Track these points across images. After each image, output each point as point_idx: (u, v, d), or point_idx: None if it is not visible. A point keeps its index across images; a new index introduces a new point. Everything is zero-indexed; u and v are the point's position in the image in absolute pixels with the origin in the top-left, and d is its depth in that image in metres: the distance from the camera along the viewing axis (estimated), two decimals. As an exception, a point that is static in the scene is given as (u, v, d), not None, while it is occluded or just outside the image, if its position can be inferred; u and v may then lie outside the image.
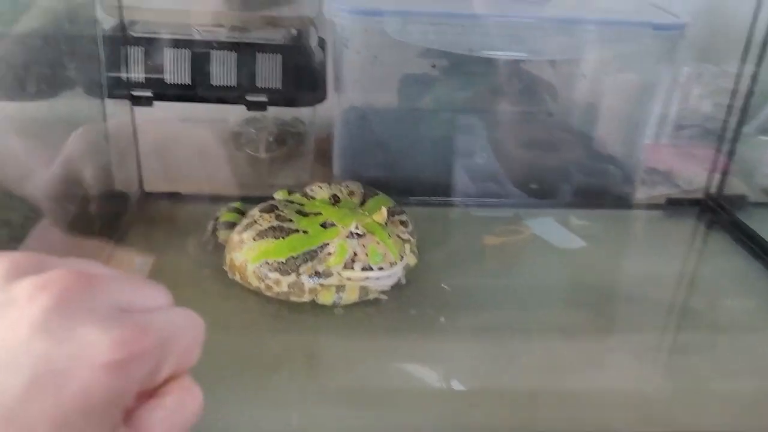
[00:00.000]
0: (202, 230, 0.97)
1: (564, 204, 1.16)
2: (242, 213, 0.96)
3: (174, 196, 1.08)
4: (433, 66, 1.14)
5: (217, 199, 1.08)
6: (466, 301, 0.88)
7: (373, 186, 1.03)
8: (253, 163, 1.21)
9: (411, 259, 0.93)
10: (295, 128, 1.26)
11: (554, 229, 1.08)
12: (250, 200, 1.05)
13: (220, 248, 0.91)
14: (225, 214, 0.97)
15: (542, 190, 1.16)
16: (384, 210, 0.86)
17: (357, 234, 0.83)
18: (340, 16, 1.03)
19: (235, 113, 1.23)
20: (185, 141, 1.21)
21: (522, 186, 1.15)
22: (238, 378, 0.72)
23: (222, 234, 0.94)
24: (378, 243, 0.84)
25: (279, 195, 1.04)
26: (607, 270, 0.99)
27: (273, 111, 1.20)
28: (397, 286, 0.87)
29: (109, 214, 1.00)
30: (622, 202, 1.18)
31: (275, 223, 0.87)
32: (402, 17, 1.03)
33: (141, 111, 1.05)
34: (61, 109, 0.91)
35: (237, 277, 0.86)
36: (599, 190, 1.18)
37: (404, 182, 1.13)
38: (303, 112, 1.24)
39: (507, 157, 1.15)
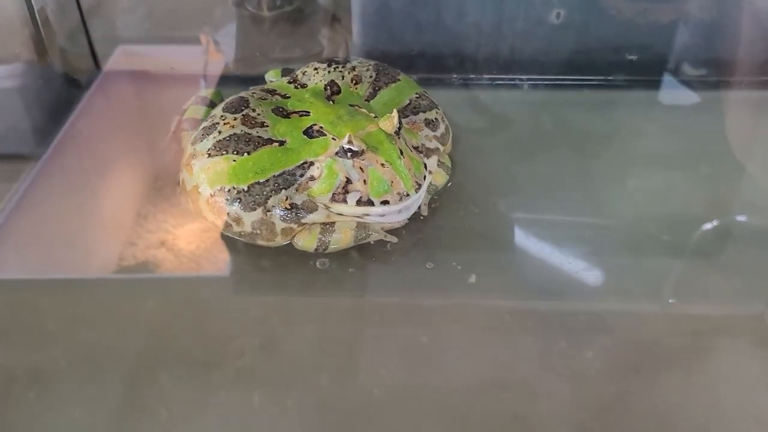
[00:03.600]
0: (166, 127, 0.73)
1: (670, 82, 0.82)
2: (216, 105, 0.70)
3: (142, 76, 0.83)
4: None
5: (198, 81, 0.82)
6: (513, 246, 0.61)
7: (407, 58, 0.73)
8: (252, 26, 0.93)
9: (439, 178, 0.65)
10: (310, -25, 0.95)
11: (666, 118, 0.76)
12: (242, 82, 0.79)
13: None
14: (191, 108, 0.71)
15: (644, 62, 0.82)
16: (395, 115, 0.58)
17: (351, 151, 0.56)
18: None
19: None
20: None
21: (615, 56, 0.82)
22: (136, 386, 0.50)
23: (185, 136, 0.69)
24: (383, 165, 0.56)
25: (271, 76, 0.77)
26: None
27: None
28: (414, 221, 0.61)
29: (43, 108, 0.77)
30: (762, 73, 0.82)
31: (240, 129, 0.61)
32: None
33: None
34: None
35: (190, 206, 0.62)
36: (734, 59, 0.82)
37: (448, 52, 0.82)
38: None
39: (595, 13, 0.80)
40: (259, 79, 0.77)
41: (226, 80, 0.80)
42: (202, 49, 0.87)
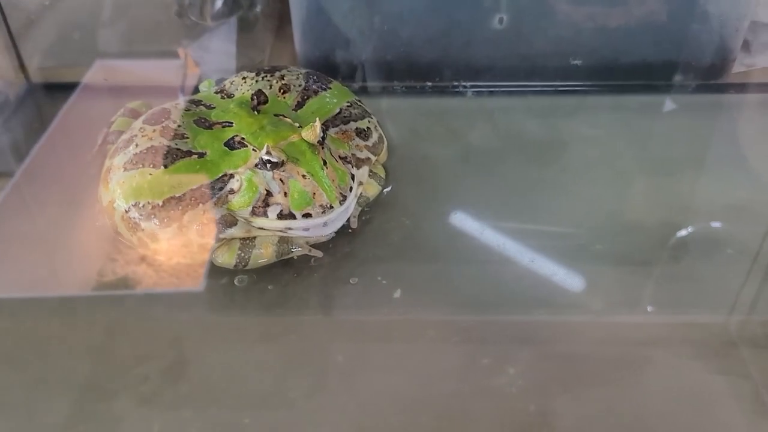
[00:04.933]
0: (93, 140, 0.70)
1: (618, 87, 0.80)
2: (144, 117, 0.68)
3: (71, 89, 0.80)
4: None
5: (134, 90, 0.80)
6: (445, 258, 0.59)
7: (349, 65, 0.71)
8: (195, 35, 0.90)
9: (371, 189, 0.63)
10: (253, -16, 0.92)
11: (613, 127, 0.74)
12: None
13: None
14: (118, 121, 0.69)
15: (588, 68, 0.80)
16: (317, 124, 0.55)
17: (270, 162, 0.54)
18: None
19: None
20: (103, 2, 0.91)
21: (560, 62, 0.80)
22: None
23: (111, 149, 0.67)
24: (304, 177, 0.54)
25: (204, 86, 0.74)
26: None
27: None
28: (342, 235, 0.59)
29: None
30: (711, 76, 0.81)
31: (158, 141, 0.58)
32: None
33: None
34: None
35: (107, 222, 0.59)
36: (676, 61, 0.81)
37: (390, 59, 0.80)
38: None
39: (540, 17, 0.79)
40: (195, 90, 0.75)
41: (160, 90, 0.78)
42: (180, 63, 0.85)
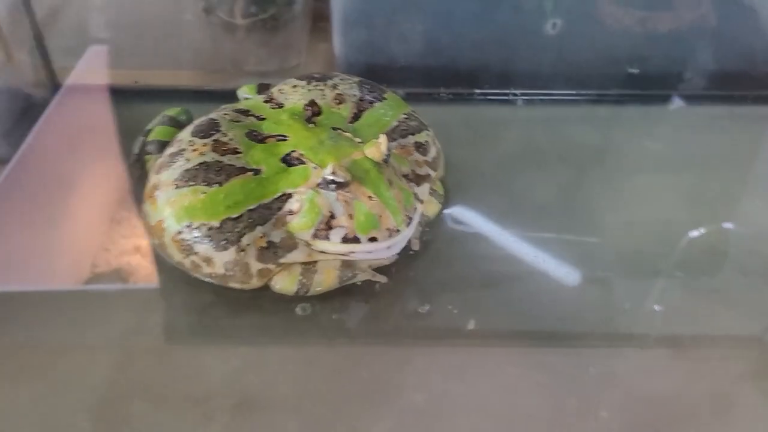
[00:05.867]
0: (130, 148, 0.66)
1: (681, 96, 0.77)
2: (183, 126, 0.64)
3: (103, 91, 0.75)
4: None
5: (166, 95, 0.75)
6: (514, 283, 0.55)
7: (392, 71, 0.67)
8: (225, 34, 0.86)
9: (431, 208, 0.60)
10: (287, -19, 0.88)
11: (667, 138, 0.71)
12: (213, 97, 0.73)
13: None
14: (157, 130, 0.65)
15: (647, 76, 0.77)
16: (383, 140, 0.52)
17: (335, 182, 0.50)
18: None
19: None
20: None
21: (613, 70, 0.77)
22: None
23: (150, 160, 0.62)
24: (371, 198, 0.50)
25: (244, 92, 0.70)
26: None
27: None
28: (404, 257, 0.55)
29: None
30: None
31: (210, 156, 0.54)
32: None
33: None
34: None
35: (155, 242, 0.55)
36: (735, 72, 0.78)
37: (435, 65, 0.76)
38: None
39: (594, 25, 0.75)
40: (231, 95, 0.71)
41: (195, 95, 0.74)
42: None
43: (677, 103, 0.76)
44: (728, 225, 0.62)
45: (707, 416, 0.46)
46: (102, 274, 0.55)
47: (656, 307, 0.54)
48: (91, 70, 0.78)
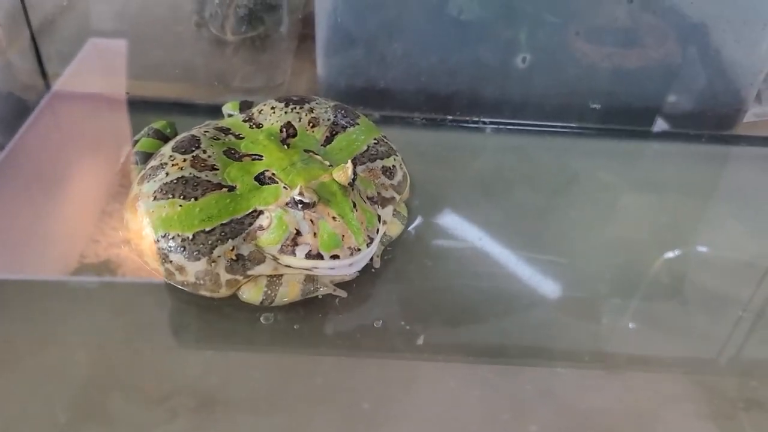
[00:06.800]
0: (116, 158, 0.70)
1: (640, 131, 0.82)
2: (168, 139, 0.68)
3: (93, 99, 0.80)
4: None
5: (153, 106, 0.80)
6: (467, 301, 0.60)
7: (370, 93, 0.71)
8: (214, 49, 0.90)
9: (394, 228, 0.64)
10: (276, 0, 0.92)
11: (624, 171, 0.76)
12: (198, 111, 0.77)
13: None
14: (142, 141, 0.69)
15: (606, 111, 0.82)
16: (349, 166, 0.56)
17: (302, 203, 0.54)
18: None
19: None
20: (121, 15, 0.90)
21: (579, 104, 0.81)
22: None
23: (136, 170, 0.67)
24: (335, 219, 0.55)
25: (228, 108, 0.75)
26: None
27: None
28: (365, 274, 0.60)
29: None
30: (723, 127, 0.83)
31: (188, 171, 0.58)
32: None
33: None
34: None
35: (132, 248, 0.59)
36: (694, 110, 0.82)
37: (412, 89, 0.81)
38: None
39: (562, 60, 0.80)
40: (217, 110, 0.75)
41: (181, 109, 0.78)
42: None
43: (636, 137, 0.81)
44: (671, 254, 0.67)
45: (630, 433, 0.51)
46: (85, 269, 0.59)
47: (596, 328, 0.58)
48: (87, 70, 0.82)
